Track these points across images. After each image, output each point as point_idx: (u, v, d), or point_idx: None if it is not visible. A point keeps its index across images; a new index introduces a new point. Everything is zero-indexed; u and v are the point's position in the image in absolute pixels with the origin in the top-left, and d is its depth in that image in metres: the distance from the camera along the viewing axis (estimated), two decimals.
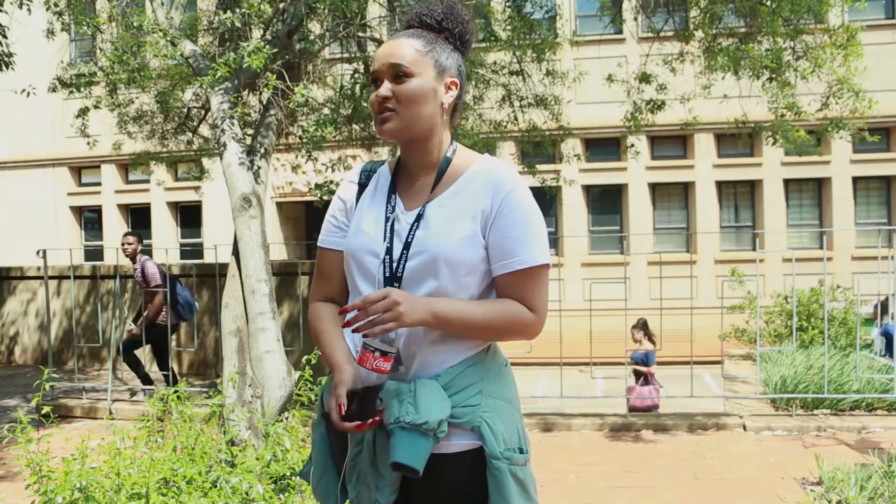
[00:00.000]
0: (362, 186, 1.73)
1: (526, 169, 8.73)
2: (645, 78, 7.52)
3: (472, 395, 1.56)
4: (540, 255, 1.57)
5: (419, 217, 1.60)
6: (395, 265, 1.58)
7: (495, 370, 1.63)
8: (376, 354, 1.48)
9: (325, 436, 1.69)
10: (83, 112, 7.26)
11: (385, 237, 1.60)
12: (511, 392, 1.64)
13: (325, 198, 6.59)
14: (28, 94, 6.32)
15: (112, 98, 7.09)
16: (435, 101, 1.60)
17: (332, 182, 6.76)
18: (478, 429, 1.54)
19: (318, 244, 1.75)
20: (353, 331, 1.49)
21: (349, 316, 1.52)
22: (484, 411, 1.55)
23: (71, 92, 6.65)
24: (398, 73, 1.57)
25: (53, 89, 6.93)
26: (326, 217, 1.76)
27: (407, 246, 1.57)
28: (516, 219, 1.56)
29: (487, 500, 1.54)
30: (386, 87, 1.57)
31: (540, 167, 9.17)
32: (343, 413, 1.50)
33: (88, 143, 7.77)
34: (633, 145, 8.62)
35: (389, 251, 1.59)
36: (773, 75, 6.22)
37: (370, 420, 1.49)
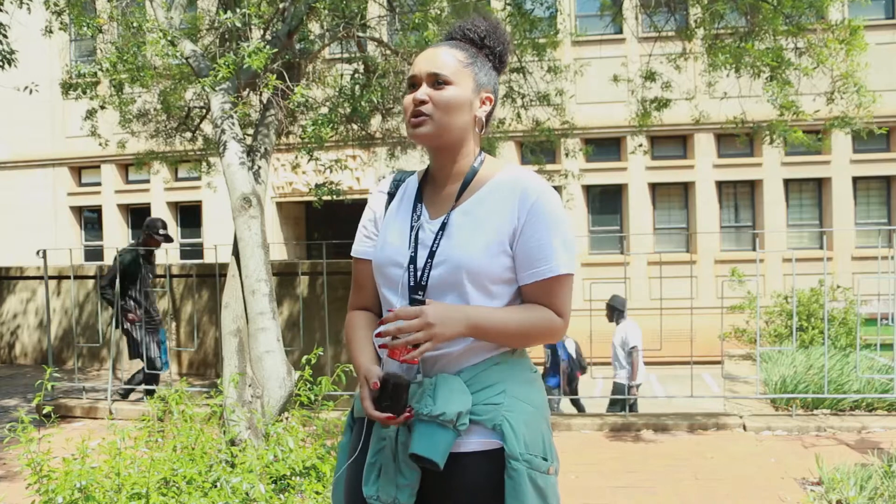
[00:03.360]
0: (391, 196, 1.75)
1: (539, 168, 8.73)
2: (650, 76, 7.51)
3: (496, 393, 1.55)
4: (567, 265, 1.58)
5: (444, 225, 1.61)
6: (419, 274, 1.59)
7: (522, 374, 1.63)
8: (408, 346, 1.48)
9: (346, 445, 1.71)
10: (91, 113, 7.26)
11: (409, 246, 1.62)
12: (538, 398, 1.63)
13: (325, 198, 6.59)
14: (31, 90, 6.32)
15: (118, 97, 7.09)
16: (469, 113, 1.62)
17: (331, 182, 6.76)
18: (499, 427, 1.53)
19: (351, 254, 1.77)
20: (390, 355, 1.49)
21: (381, 332, 1.52)
22: (507, 410, 1.54)
23: (78, 96, 6.66)
24: (438, 81, 1.59)
25: (65, 94, 6.94)
26: (358, 227, 1.78)
27: (431, 255, 1.59)
28: (543, 227, 1.56)
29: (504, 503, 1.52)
30: (424, 91, 1.59)
31: (541, 166, 9.18)
32: (377, 388, 1.50)
33: (101, 144, 7.78)
34: (641, 144, 8.62)
35: (413, 260, 1.60)
36: (774, 74, 6.22)
37: (403, 414, 1.50)
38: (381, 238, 1.69)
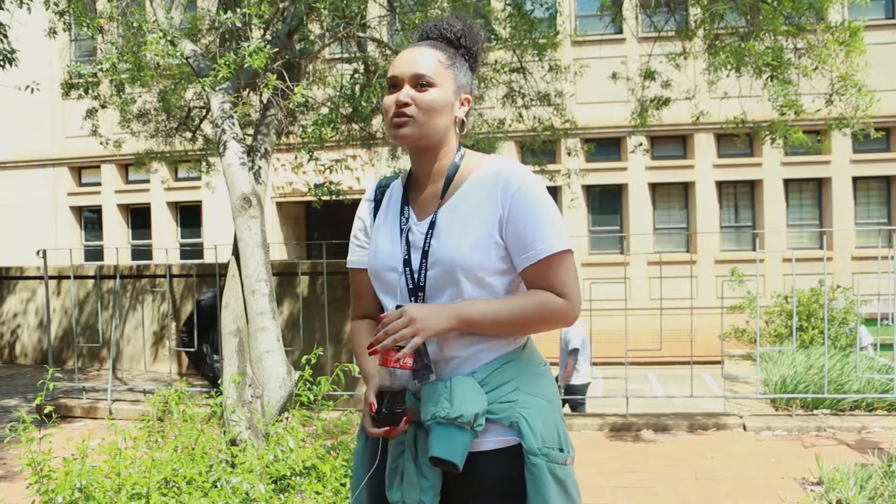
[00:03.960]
0: (377, 203, 1.75)
1: (538, 168, 8.74)
2: (649, 75, 7.51)
3: (510, 391, 1.57)
4: (559, 242, 1.57)
5: (432, 225, 1.61)
6: (416, 276, 1.60)
7: (533, 369, 1.64)
8: (397, 349, 1.50)
9: (362, 452, 1.72)
10: (92, 113, 7.25)
11: (402, 249, 1.63)
12: (551, 392, 1.65)
13: (325, 198, 6.59)
14: (32, 90, 6.32)
15: (119, 97, 7.10)
16: (451, 114, 1.63)
17: (330, 182, 6.76)
18: (516, 424, 1.54)
19: (347, 265, 1.79)
20: (382, 363, 1.51)
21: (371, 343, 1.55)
22: (522, 407, 1.56)
23: (80, 96, 6.67)
24: (421, 83, 1.58)
25: (65, 94, 6.94)
26: (350, 237, 1.79)
27: (425, 255, 1.60)
28: (529, 211, 1.56)
29: (526, 499, 1.54)
30: (407, 93, 1.58)
31: (541, 166, 9.18)
32: (374, 410, 1.53)
33: (102, 143, 7.78)
34: (641, 143, 8.61)
35: (408, 263, 1.61)
36: (775, 73, 6.21)
37: (400, 424, 1.52)
38: (372, 246, 1.70)
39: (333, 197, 6.48)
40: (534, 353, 1.67)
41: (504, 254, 1.58)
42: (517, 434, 1.54)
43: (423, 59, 1.60)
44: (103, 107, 7.26)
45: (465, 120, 1.66)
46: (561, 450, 1.57)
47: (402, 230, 1.65)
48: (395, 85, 1.62)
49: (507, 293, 1.61)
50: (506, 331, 1.59)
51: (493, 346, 1.59)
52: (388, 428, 1.52)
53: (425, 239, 1.60)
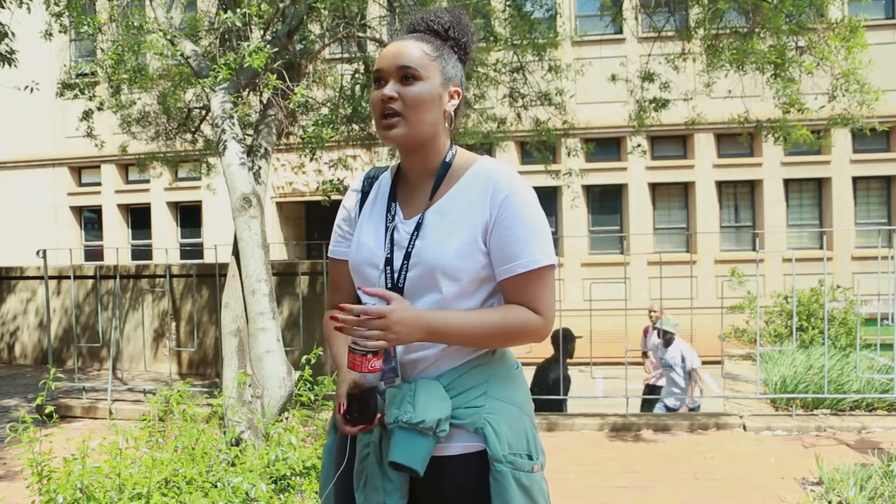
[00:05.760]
0: (365, 194, 1.72)
1: (545, 167, 8.73)
2: (648, 76, 7.51)
3: (476, 396, 1.54)
4: (542, 257, 1.54)
5: (418, 226, 1.58)
6: (396, 275, 1.57)
7: (503, 373, 1.60)
8: (368, 356, 1.46)
9: (331, 448, 1.70)
10: (87, 114, 7.25)
11: (385, 247, 1.59)
12: (520, 396, 1.61)
13: (333, 195, 6.61)
14: (31, 89, 6.32)
15: (115, 99, 7.09)
16: (439, 108, 1.58)
17: (339, 180, 6.78)
18: (481, 430, 1.52)
19: (328, 255, 1.76)
20: (351, 367, 1.47)
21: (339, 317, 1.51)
22: (488, 413, 1.53)
23: (76, 95, 6.66)
24: (406, 75, 1.54)
25: (60, 93, 6.93)
26: (334, 227, 1.76)
27: (407, 256, 1.56)
28: (516, 222, 1.53)
29: None
30: (392, 88, 1.54)
31: (541, 166, 9.18)
32: (342, 412, 1.53)
33: (97, 146, 7.78)
34: (639, 145, 8.62)
35: (390, 262, 1.58)
36: (777, 71, 6.21)
37: (374, 422, 1.52)
38: (355, 239, 1.67)
39: (343, 195, 6.49)
40: (505, 356, 1.63)
41: (487, 261, 1.55)
42: (482, 440, 1.51)
43: (407, 51, 1.55)
44: (100, 108, 7.26)
45: (454, 114, 1.61)
46: (530, 457, 1.55)
47: (387, 228, 1.61)
48: (380, 80, 1.57)
49: (488, 299, 1.58)
50: (474, 343, 1.55)
51: (461, 349, 1.55)
52: (361, 426, 1.52)
53: (410, 239, 1.57)
